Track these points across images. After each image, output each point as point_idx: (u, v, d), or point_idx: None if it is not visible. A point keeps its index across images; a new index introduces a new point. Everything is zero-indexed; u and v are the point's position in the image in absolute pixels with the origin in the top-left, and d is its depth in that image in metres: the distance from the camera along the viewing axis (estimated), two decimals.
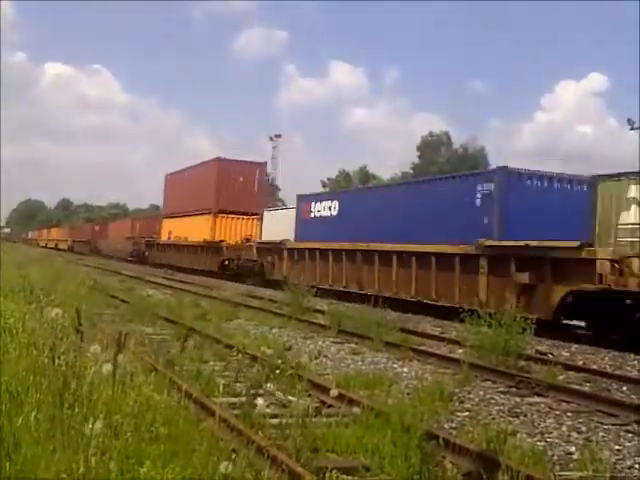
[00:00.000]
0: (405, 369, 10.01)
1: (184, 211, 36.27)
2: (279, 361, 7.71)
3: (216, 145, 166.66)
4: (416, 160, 67.27)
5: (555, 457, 5.91)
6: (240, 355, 8.88)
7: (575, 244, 13.74)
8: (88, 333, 6.34)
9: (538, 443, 6.31)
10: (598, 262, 13.16)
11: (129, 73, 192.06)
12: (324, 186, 76.40)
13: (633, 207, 13.62)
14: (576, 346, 12.93)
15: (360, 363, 10.42)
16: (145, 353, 7.92)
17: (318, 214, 24.38)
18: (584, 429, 6.94)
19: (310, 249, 23.74)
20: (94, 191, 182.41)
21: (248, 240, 29.44)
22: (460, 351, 11.40)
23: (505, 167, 17.05)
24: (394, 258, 19.10)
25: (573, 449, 6.17)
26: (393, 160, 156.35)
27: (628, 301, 12.78)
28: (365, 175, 75.25)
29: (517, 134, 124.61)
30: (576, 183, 17.16)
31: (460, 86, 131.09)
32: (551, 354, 11.75)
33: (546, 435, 6.67)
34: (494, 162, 60.72)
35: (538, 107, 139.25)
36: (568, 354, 12.14)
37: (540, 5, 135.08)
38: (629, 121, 32.90)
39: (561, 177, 17.51)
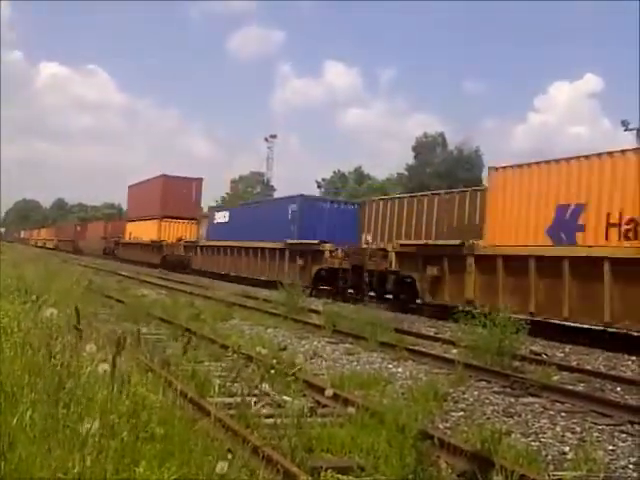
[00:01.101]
0: (400, 369, 10.03)
1: (140, 216, 45.34)
2: (274, 361, 7.71)
3: (212, 144, 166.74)
4: (411, 161, 67.27)
5: (549, 457, 5.93)
6: (235, 355, 8.88)
7: (317, 242, 23.35)
8: (84, 332, 6.33)
9: (532, 443, 6.34)
10: (325, 252, 23.02)
11: (124, 73, 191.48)
12: (319, 187, 76.41)
13: None
14: (570, 346, 12.99)
15: (355, 363, 10.43)
16: (140, 353, 7.90)
17: (219, 221, 33.88)
18: (578, 429, 6.98)
19: (212, 246, 33.43)
20: (90, 191, 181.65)
21: (180, 240, 38.49)
22: (454, 351, 11.43)
23: (303, 194, 27.57)
24: (250, 252, 28.98)
25: (567, 449, 6.20)
26: (389, 160, 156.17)
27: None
28: (360, 176, 75.16)
29: (512, 135, 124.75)
30: (350, 204, 27.94)
31: (455, 87, 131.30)
32: (545, 354, 11.80)
33: (540, 435, 6.70)
34: (489, 163, 60.72)
35: (532, 108, 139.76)
36: (562, 354, 12.19)
37: (535, 5, 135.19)
38: (623, 123, 33.05)
39: (339, 201, 30.73)
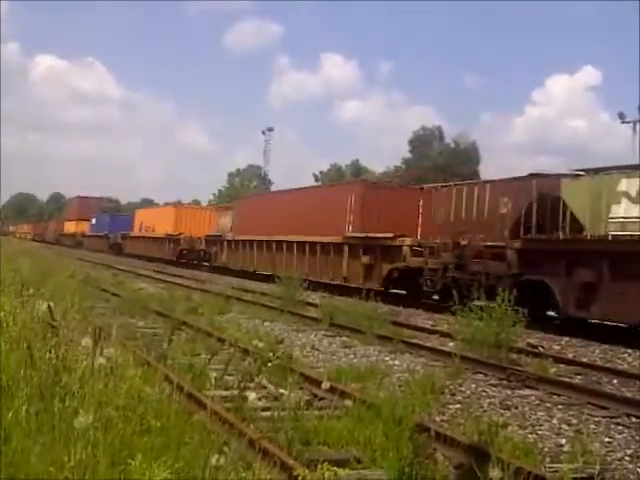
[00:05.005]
0: (397, 362, 10.03)
1: (70, 218, 73.47)
2: (271, 354, 7.70)
3: (211, 138, 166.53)
4: (408, 155, 67.21)
5: (546, 449, 5.95)
6: (232, 348, 8.87)
7: (107, 232, 54.77)
8: (79, 326, 6.32)
9: (529, 435, 6.36)
10: (110, 237, 54.42)
11: (122, 66, 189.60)
12: (316, 179, 76.34)
13: (624, 200, 13.67)
14: (567, 339, 13.02)
15: (352, 356, 10.44)
16: (137, 346, 7.89)
17: (92, 222, 61.11)
18: (575, 421, 7.00)
19: (90, 235, 61.06)
20: (88, 185, 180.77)
21: (82, 231, 65.12)
22: (451, 344, 11.44)
23: (112, 213, 60.67)
24: (97, 237, 57.47)
25: (564, 441, 6.21)
26: (386, 154, 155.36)
27: None
28: (357, 169, 75.11)
29: (510, 128, 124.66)
30: (126, 215, 55.76)
31: (453, 80, 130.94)
32: (542, 347, 11.81)
33: (537, 427, 6.71)
34: (486, 156, 60.76)
35: (530, 101, 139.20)
36: (559, 347, 12.22)
37: None
38: (620, 115, 33.00)
39: (122, 213, 60.82)
